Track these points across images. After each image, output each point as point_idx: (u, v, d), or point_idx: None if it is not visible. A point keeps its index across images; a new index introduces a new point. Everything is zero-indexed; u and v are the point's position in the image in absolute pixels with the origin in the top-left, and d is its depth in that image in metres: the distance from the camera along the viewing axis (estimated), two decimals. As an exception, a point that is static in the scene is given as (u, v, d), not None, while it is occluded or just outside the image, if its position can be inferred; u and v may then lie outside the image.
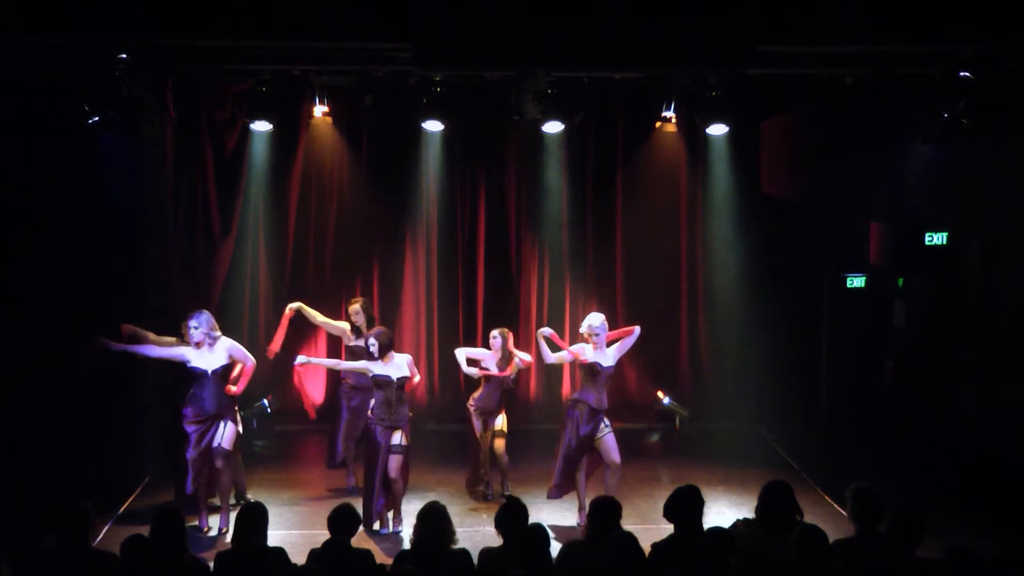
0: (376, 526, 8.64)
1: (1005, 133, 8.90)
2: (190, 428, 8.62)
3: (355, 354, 9.78)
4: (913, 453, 10.64)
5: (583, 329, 8.89)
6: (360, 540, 7.77)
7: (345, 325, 9.82)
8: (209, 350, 8.58)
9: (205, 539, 8.40)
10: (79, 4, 8.06)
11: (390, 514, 8.75)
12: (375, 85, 9.42)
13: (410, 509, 8.64)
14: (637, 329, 8.92)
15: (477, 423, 9.44)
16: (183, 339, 8.98)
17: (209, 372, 8.55)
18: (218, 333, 8.65)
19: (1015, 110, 8.59)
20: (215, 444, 8.57)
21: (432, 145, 11.88)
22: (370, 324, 9.73)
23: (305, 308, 9.71)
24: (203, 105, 11.22)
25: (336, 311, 11.32)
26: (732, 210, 12.16)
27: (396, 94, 9.58)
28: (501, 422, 9.46)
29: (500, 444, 9.45)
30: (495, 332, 9.43)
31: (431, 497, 7.23)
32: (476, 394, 9.51)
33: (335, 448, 9.83)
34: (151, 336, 8.77)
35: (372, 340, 8.64)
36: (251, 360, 8.77)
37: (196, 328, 8.51)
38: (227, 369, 8.65)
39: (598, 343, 8.81)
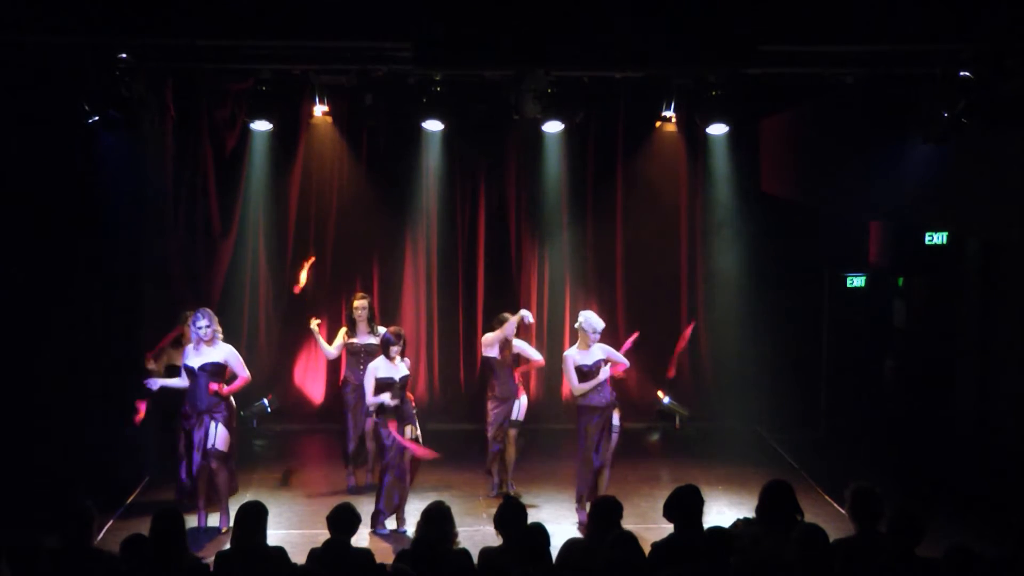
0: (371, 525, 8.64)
1: (1005, 133, 8.89)
2: (186, 424, 8.67)
3: (353, 352, 9.80)
4: (913, 453, 10.64)
5: (578, 324, 8.92)
6: (360, 540, 7.77)
7: (333, 348, 9.88)
8: (206, 348, 8.59)
9: (205, 539, 8.39)
10: (79, 4, 8.06)
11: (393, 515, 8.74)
12: (375, 85, 9.43)
13: (410, 509, 8.65)
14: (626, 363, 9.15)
15: (493, 415, 9.40)
16: (183, 339, 9.04)
17: (196, 368, 8.57)
18: (220, 331, 8.70)
19: (1015, 110, 8.59)
20: (208, 445, 8.56)
21: (432, 145, 11.87)
22: (371, 321, 9.76)
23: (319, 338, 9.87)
24: (203, 105, 11.21)
25: (336, 311, 11.33)
26: (732, 210, 12.16)
27: (396, 94, 9.58)
28: (522, 409, 9.46)
29: (512, 433, 9.47)
30: (510, 318, 9.43)
31: (431, 497, 7.22)
32: (493, 385, 9.50)
33: (346, 447, 9.85)
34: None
35: (397, 341, 8.64)
36: (246, 373, 8.77)
37: (207, 327, 8.56)
38: (217, 367, 8.62)
39: (590, 342, 8.84)
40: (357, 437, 9.75)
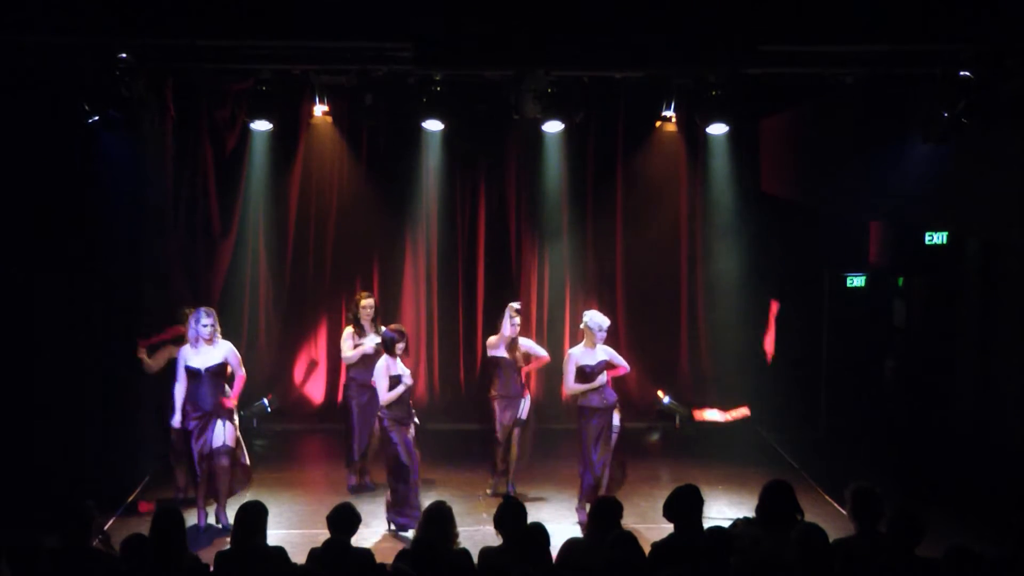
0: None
1: (1005, 133, 8.90)
2: (190, 424, 8.66)
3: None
4: (913, 453, 10.64)
5: (584, 323, 8.92)
6: (360, 540, 7.75)
7: (355, 352, 9.74)
8: (206, 347, 8.60)
9: (205, 539, 8.40)
10: (79, 4, 8.06)
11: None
12: (375, 85, 9.43)
13: (410, 509, 8.66)
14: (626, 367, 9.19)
15: (501, 414, 9.37)
16: (184, 337, 9.05)
17: (203, 370, 8.58)
18: (219, 330, 8.72)
19: (1015, 110, 8.59)
20: (218, 443, 8.58)
21: (432, 145, 11.87)
22: (374, 321, 9.75)
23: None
24: (203, 105, 11.21)
25: (336, 311, 11.33)
26: (732, 210, 12.15)
27: (396, 94, 9.58)
28: (525, 407, 9.43)
29: (516, 433, 9.43)
30: (516, 317, 9.42)
31: (431, 497, 7.23)
32: (495, 384, 9.49)
33: (352, 447, 9.81)
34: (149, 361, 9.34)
35: (401, 338, 8.65)
36: (242, 371, 8.81)
37: (210, 325, 8.58)
38: (221, 367, 8.66)
39: (596, 341, 8.84)
40: (364, 437, 9.70)
